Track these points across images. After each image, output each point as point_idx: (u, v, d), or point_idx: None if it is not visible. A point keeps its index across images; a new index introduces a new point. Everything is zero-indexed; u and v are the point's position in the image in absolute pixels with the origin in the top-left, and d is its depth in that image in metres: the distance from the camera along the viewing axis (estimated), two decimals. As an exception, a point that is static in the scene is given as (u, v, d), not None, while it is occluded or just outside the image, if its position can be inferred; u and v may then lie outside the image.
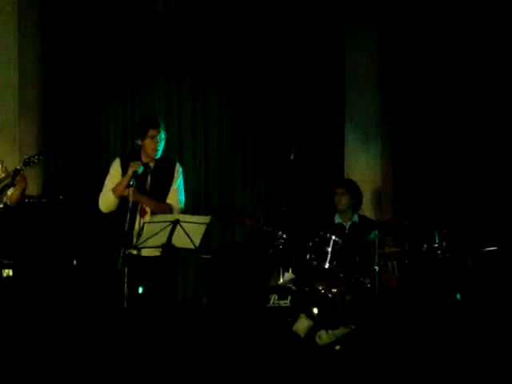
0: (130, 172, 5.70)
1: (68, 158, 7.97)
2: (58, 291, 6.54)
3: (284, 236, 6.17)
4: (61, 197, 6.99)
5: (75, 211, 7.13)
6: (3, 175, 5.86)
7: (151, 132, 5.80)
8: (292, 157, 6.30)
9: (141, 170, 5.70)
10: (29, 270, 6.55)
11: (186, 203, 6.05)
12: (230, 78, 8.04)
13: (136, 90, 8.08)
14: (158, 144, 5.81)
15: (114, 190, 5.81)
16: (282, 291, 6.16)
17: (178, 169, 5.98)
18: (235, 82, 8.04)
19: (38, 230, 6.81)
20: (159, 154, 5.86)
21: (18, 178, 5.76)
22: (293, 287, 6.16)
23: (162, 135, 5.84)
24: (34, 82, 7.72)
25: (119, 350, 5.40)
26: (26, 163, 5.80)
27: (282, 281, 6.33)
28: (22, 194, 5.89)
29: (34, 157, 5.86)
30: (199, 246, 5.72)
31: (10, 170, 5.84)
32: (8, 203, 5.86)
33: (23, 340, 5.95)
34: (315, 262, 6.06)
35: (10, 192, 5.82)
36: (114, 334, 5.56)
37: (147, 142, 5.82)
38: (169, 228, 5.57)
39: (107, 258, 5.98)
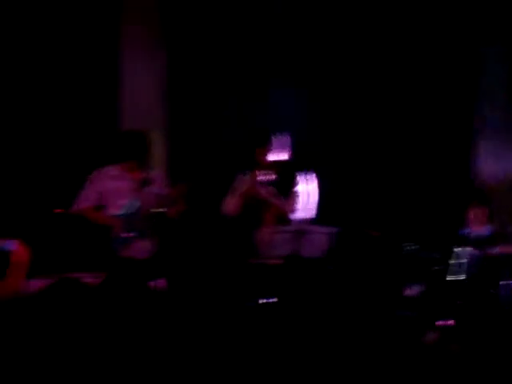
0: (254, 179, 5.82)
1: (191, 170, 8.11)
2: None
3: (412, 247, 6.12)
4: (189, 207, 7.13)
5: (199, 222, 7.28)
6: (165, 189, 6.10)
7: (263, 149, 5.89)
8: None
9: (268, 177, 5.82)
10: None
11: (312, 213, 6.05)
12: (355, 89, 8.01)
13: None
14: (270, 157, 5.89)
15: (240, 195, 5.93)
16: (409, 303, 6.09)
17: (306, 175, 6.02)
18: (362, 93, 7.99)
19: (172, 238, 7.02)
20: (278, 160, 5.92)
21: (180, 192, 5.98)
22: (420, 298, 6.08)
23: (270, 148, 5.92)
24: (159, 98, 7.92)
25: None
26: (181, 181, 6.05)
27: (409, 291, 6.26)
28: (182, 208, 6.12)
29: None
30: (326, 256, 5.74)
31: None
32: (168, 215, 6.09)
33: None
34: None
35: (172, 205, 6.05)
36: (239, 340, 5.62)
37: (264, 152, 5.92)
38: (296, 238, 5.63)
39: (233, 267, 6.06)
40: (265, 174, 5.86)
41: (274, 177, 5.95)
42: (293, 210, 5.94)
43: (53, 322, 6.13)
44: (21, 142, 7.90)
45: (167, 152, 7.84)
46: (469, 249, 5.99)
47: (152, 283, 6.03)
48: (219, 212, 6.16)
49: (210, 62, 8.07)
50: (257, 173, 5.85)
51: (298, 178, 5.99)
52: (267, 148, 5.91)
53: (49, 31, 7.90)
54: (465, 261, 5.94)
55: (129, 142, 6.04)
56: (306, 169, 6.06)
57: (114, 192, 6.04)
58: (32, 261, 6.71)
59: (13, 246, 4.39)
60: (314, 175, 6.02)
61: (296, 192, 5.97)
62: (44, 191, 7.72)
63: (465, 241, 6.28)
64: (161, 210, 6.00)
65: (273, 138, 5.94)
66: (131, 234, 5.94)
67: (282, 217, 5.90)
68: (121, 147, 6.03)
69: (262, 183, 5.83)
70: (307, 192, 6.00)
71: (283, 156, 5.96)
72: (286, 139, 5.99)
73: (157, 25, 7.89)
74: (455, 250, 6.02)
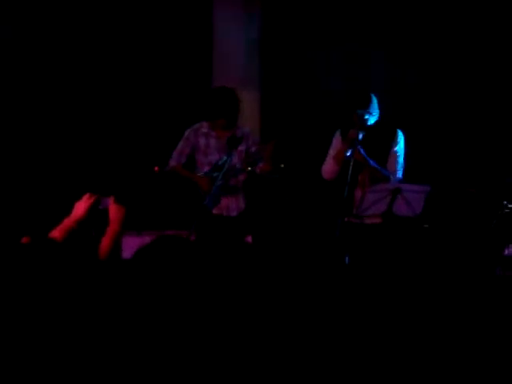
0: (349, 138, 5.76)
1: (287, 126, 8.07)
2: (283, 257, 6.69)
3: (509, 205, 5.99)
4: (282, 165, 7.11)
5: (296, 180, 7.27)
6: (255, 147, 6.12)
7: (359, 113, 5.81)
8: None
9: (360, 136, 5.74)
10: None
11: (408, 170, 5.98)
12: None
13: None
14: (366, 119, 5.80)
15: (335, 158, 5.88)
16: (508, 262, 5.97)
17: (399, 135, 5.93)
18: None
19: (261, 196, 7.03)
20: (371, 122, 5.83)
21: (269, 150, 5.99)
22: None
23: (371, 109, 5.81)
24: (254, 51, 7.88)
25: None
26: (271, 138, 6.07)
27: (507, 252, 6.14)
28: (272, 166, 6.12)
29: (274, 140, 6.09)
30: (420, 214, 5.66)
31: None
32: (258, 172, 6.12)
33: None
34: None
35: (261, 163, 6.06)
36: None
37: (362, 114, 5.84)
38: (389, 197, 5.58)
39: (327, 226, 6.05)
40: (360, 135, 5.79)
41: (368, 137, 5.86)
42: (387, 170, 5.88)
43: (154, 280, 6.23)
44: (119, 101, 8.05)
45: (260, 110, 7.84)
46: None
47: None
48: (315, 171, 6.15)
49: (305, 19, 7.99)
50: (352, 133, 5.78)
51: (392, 138, 5.90)
52: (366, 109, 5.82)
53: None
54: None
55: (218, 99, 6.05)
56: (398, 129, 5.98)
57: (204, 149, 6.11)
58: (128, 218, 6.81)
59: (109, 203, 4.45)
60: (405, 135, 5.94)
61: (391, 152, 5.90)
62: (142, 149, 7.86)
63: None
64: (250, 168, 6.01)
65: (372, 99, 5.85)
66: (221, 192, 5.99)
67: (377, 177, 5.83)
68: (211, 104, 6.06)
69: (356, 143, 5.76)
70: (401, 152, 5.92)
71: (377, 116, 5.88)
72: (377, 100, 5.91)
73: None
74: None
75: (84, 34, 7.98)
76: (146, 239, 6.38)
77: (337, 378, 4.00)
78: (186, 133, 6.21)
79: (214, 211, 6.06)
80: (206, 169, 6.08)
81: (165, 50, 8.05)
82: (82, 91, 8.01)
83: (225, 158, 5.95)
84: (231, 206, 6.13)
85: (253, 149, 6.10)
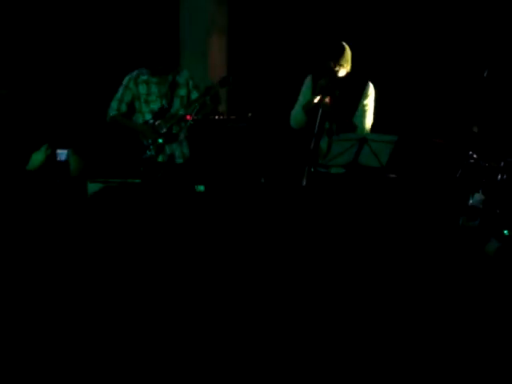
0: (318, 87, 5.73)
1: (253, 77, 8.02)
2: (245, 208, 6.68)
3: (474, 156, 6.02)
4: (249, 114, 7.07)
5: (263, 128, 7.23)
6: (196, 94, 6.02)
7: (330, 64, 5.74)
8: (485, 74, 6.09)
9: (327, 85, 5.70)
10: (219, 186, 6.74)
11: (375, 121, 5.97)
12: None
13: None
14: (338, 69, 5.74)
15: (303, 106, 5.84)
16: (472, 212, 6.02)
17: (369, 87, 5.89)
18: None
19: (227, 147, 6.97)
20: (342, 73, 5.77)
21: (213, 95, 5.92)
22: (482, 208, 6.01)
23: (343, 60, 5.75)
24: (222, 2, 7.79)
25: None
26: (222, 83, 5.94)
27: (471, 202, 6.19)
28: (214, 111, 6.07)
29: (228, 77, 5.99)
30: (386, 164, 5.67)
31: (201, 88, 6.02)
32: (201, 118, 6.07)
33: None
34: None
35: (204, 107, 6.00)
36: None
37: (334, 64, 5.77)
38: (356, 146, 5.58)
39: (293, 175, 6.04)
40: (330, 85, 5.75)
41: (337, 88, 5.82)
42: (359, 121, 5.85)
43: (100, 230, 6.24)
44: (74, 48, 7.95)
45: (228, 56, 7.78)
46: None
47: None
48: (283, 119, 6.12)
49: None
50: (322, 81, 5.75)
51: (363, 90, 5.86)
52: (338, 60, 5.76)
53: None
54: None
55: (159, 46, 5.96)
56: (366, 79, 5.94)
57: (145, 97, 6.04)
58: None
59: (68, 155, 4.45)
60: (373, 85, 5.91)
61: (360, 104, 5.86)
62: (88, 98, 7.77)
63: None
64: (193, 113, 5.93)
65: (344, 50, 5.79)
66: (164, 140, 5.94)
67: (344, 127, 5.81)
68: (150, 50, 5.97)
69: (325, 92, 5.72)
70: (370, 104, 5.90)
71: (349, 68, 5.83)
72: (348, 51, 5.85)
73: None
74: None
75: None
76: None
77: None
78: (125, 81, 6.12)
79: (159, 159, 6.03)
80: (148, 117, 6.02)
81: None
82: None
83: (166, 104, 5.92)
84: (176, 153, 6.10)
85: (194, 93, 6.04)
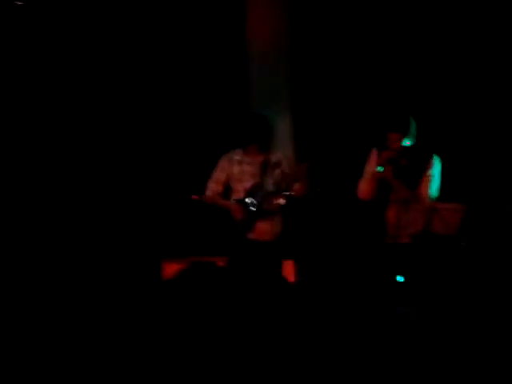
0: (382, 158, 5.77)
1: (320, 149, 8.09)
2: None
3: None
4: (318, 189, 7.15)
5: (333, 202, 7.30)
6: (289, 170, 6.19)
7: (391, 136, 5.79)
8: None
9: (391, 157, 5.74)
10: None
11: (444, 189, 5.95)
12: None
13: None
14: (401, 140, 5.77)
15: (370, 179, 5.87)
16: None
17: (434, 159, 5.87)
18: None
19: (309, 221, 7.10)
20: (407, 145, 5.80)
21: (303, 172, 6.07)
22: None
23: (409, 132, 5.79)
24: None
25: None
26: (303, 161, 6.11)
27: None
28: (303, 190, 6.20)
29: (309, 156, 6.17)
30: (457, 233, 5.65)
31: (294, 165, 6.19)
32: (293, 195, 6.18)
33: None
34: None
35: (296, 186, 6.15)
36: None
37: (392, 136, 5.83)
38: (425, 216, 5.59)
39: (363, 247, 6.05)
40: (394, 157, 5.78)
41: (402, 160, 5.85)
42: (423, 194, 5.84)
43: (188, 306, 6.34)
44: (155, 130, 8.19)
45: (294, 132, 7.87)
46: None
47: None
48: (350, 192, 6.17)
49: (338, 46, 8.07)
50: (387, 154, 5.79)
51: (428, 162, 5.87)
52: (401, 132, 5.81)
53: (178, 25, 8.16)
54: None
55: (249, 126, 6.17)
56: (431, 151, 5.95)
57: (239, 176, 6.19)
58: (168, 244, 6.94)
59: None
60: (439, 157, 5.91)
61: (424, 175, 5.86)
62: (180, 177, 7.98)
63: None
64: (286, 191, 6.09)
65: (407, 122, 5.83)
66: (256, 217, 6.08)
67: (412, 198, 5.81)
68: (242, 131, 6.17)
69: (391, 164, 5.76)
70: (435, 176, 5.89)
71: (412, 140, 5.86)
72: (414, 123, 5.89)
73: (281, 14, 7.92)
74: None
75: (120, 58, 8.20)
76: (182, 265, 6.57)
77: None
78: (220, 161, 6.32)
79: (250, 236, 6.13)
80: (241, 195, 6.16)
81: (202, 77, 8.19)
82: (122, 113, 8.19)
83: (259, 183, 6.07)
84: (266, 230, 6.19)
85: (286, 172, 6.16)
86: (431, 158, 5.86)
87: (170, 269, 6.87)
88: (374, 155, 5.94)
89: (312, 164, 6.06)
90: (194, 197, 6.47)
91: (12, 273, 7.35)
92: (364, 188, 5.94)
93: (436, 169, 5.86)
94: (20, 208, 7.92)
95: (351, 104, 8.06)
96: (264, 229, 6.18)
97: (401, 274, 5.68)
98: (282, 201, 6.15)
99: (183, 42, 8.30)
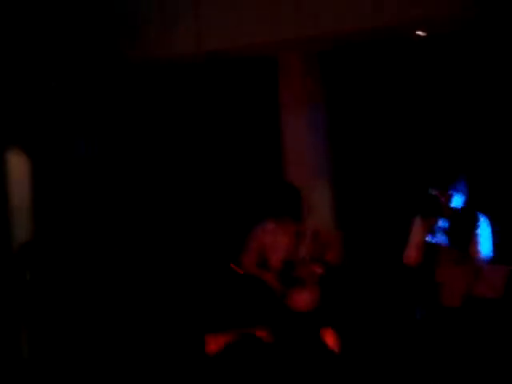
0: (430, 226, 5.72)
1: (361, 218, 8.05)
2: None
3: None
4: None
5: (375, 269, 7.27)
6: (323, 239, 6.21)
7: (443, 195, 5.75)
8: None
9: (442, 223, 5.71)
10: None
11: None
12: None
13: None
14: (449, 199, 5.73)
15: (416, 246, 5.81)
16: None
17: (480, 218, 5.80)
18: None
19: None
20: (455, 204, 5.77)
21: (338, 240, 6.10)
22: None
23: (455, 190, 5.75)
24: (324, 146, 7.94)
25: None
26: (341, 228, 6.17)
27: None
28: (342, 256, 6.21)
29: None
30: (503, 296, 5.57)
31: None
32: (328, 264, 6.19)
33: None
34: None
35: (330, 254, 6.19)
36: None
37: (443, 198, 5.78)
38: (471, 278, 5.54)
39: (409, 310, 6.00)
40: (442, 220, 5.74)
41: (449, 223, 5.79)
42: (474, 254, 5.76)
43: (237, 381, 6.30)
44: (190, 196, 8.26)
45: (334, 201, 7.85)
46: None
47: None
48: (394, 259, 6.12)
49: (371, 110, 8.06)
50: (433, 219, 5.74)
51: (475, 221, 5.80)
52: (447, 194, 5.77)
53: (213, 96, 8.25)
54: None
55: (281, 197, 6.21)
56: (479, 211, 5.89)
57: (272, 247, 6.21)
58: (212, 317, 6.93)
59: None
60: (487, 217, 5.84)
61: (476, 236, 5.79)
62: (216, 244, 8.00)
63: None
64: (320, 260, 6.09)
65: (453, 183, 5.79)
66: (292, 287, 6.07)
67: (461, 261, 5.74)
68: (275, 202, 6.20)
69: (438, 229, 5.72)
70: (484, 235, 5.81)
71: (460, 201, 5.82)
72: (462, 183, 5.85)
73: (316, 80, 7.98)
74: None
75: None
76: (226, 338, 6.55)
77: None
78: (254, 231, 6.35)
79: (288, 306, 6.11)
80: (277, 265, 6.17)
81: (238, 148, 8.26)
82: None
83: (292, 254, 6.07)
84: (304, 300, 6.16)
85: (320, 241, 6.17)
86: (477, 218, 5.79)
87: (214, 342, 6.82)
88: (419, 223, 5.87)
89: (350, 232, 6.06)
90: (233, 266, 6.48)
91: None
92: (412, 255, 5.85)
93: (484, 228, 5.79)
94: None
95: (392, 166, 7.99)
96: (302, 298, 6.15)
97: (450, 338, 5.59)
98: (318, 270, 6.13)
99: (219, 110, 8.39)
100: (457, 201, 5.76)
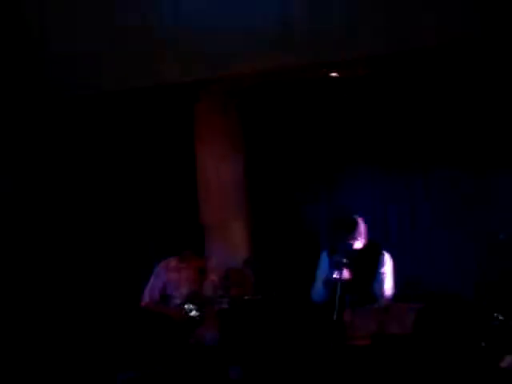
0: (334, 262, 5.79)
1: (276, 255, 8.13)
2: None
3: (502, 316, 5.97)
4: (274, 293, 7.15)
5: (288, 305, 7.28)
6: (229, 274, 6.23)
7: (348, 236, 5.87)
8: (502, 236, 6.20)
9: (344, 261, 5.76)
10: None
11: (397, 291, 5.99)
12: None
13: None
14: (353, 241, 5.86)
15: (323, 282, 5.91)
16: (505, 374, 5.89)
17: (384, 257, 5.96)
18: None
19: (256, 325, 7.04)
20: (356, 246, 5.88)
21: (243, 276, 6.13)
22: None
23: (356, 234, 5.87)
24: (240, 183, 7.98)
25: None
26: (247, 264, 6.17)
27: (504, 363, 6.07)
28: (247, 292, 6.25)
29: (250, 258, 6.23)
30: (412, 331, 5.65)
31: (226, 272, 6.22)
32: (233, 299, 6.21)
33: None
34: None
35: (234, 291, 6.21)
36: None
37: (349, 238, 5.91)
38: (379, 316, 5.59)
39: (320, 350, 6.03)
40: (345, 258, 5.83)
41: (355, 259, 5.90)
42: (378, 290, 5.89)
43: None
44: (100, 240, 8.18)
45: (249, 240, 7.90)
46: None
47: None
48: (303, 297, 6.19)
49: (287, 147, 8.17)
50: (338, 256, 5.84)
51: (378, 259, 5.93)
52: (352, 234, 5.88)
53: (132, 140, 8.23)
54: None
55: (183, 233, 6.24)
56: (380, 249, 6.01)
57: (176, 283, 6.21)
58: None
59: None
60: (389, 254, 5.98)
61: (377, 273, 5.91)
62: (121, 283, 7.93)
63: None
64: (224, 295, 6.10)
65: (357, 224, 5.93)
66: (196, 322, 6.06)
67: (365, 296, 5.84)
68: (176, 239, 6.24)
69: (342, 266, 5.81)
70: (388, 273, 5.95)
71: (363, 240, 5.94)
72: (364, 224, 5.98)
73: (233, 117, 8.05)
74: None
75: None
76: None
77: None
78: (156, 269, 6.36)
79: (191, 341, 6.10)
80: (178, 301, 6.17)
81: (153, 190, 8.24)
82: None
83: (195, 289, 6.10)
84: (207, 335, 6.17)
85: (225, 277, 6.21)
86: (381, 256, 5.94)
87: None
88: (324, 259, 6.00)
89: (260, 267, 6.12)
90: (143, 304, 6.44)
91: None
92: (319, 292, 5.97)
93: (387, 266, 5.93)
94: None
95: (302, 204, 8.13)
96: (204, 333, 6.15)
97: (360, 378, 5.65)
98: (223, 305, 6.16)
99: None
100: (359, 242, 5.90)
